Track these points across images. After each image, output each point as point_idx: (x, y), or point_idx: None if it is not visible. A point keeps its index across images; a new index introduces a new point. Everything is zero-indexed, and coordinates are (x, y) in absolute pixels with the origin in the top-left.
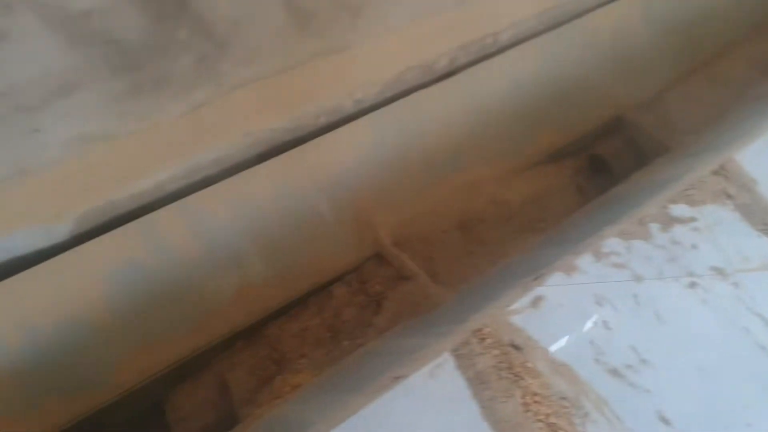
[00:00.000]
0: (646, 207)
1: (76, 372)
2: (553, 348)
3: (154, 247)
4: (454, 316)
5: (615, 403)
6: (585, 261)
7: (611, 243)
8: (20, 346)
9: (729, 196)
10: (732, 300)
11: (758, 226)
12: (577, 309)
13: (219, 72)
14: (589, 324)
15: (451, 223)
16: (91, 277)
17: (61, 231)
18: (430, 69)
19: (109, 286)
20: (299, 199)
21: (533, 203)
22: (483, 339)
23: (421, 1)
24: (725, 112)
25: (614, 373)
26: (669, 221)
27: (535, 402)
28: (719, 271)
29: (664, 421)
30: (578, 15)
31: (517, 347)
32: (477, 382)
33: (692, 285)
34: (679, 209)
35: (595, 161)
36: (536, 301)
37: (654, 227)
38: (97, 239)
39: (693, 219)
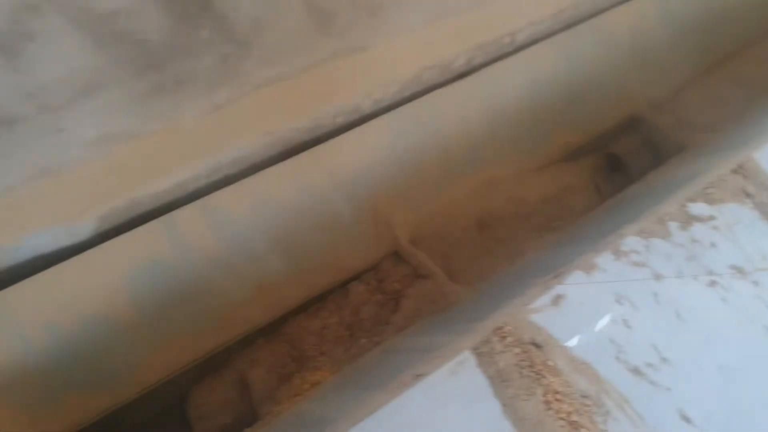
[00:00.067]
0: (665, 205)
1: (99, 369)
2: (574, 346)
3: (175, 245)
4: (473, 314)
5: (636, 401)
6: (604, 259)
7: (630, 241)
8: (44, 343)
9: (748, 195)
10: (752, 298)
11: None
12: (597, 307)
13: (240, 72)
14: (609, 322)
15: (469, 221)
16: (113, 275)
17: (85, 229)
18: (448, 69)
19: (131, 284)
20: (318, 198)
21: (550, 202)
22: (504, 337)
23: (439, 2)
24: (743, 111)
25: (635, 371)
26: (688, 220)
27: (557, 400)
28: (739, 270)
29: (686, 419)
30: (595, 14)
31: (537, 345)
32: (498, 380)
33: (712, 283)
34: (698, 208)
35: (612, 160)
36: (556, 300)
37: (673, 226)
38: (119, 237)
39: (712, 217)
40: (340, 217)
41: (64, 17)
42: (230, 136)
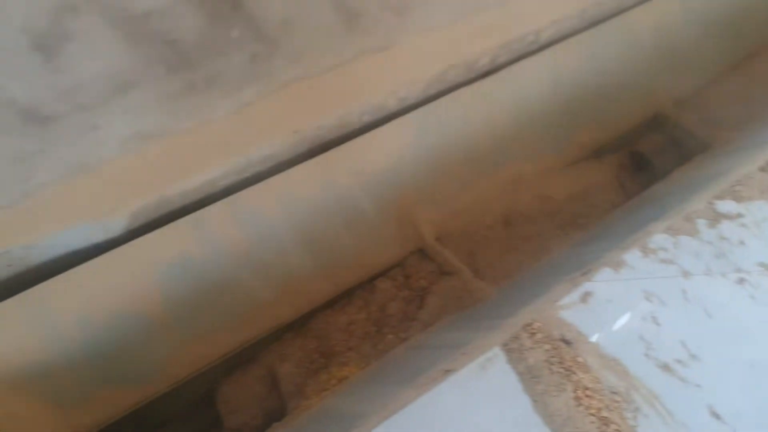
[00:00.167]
0: (692, 203)
1: (130, 364)
2: (603, 343)
3: (205, 241)
4: (501, 310)
5: (666, 397)
6: (633, 256)
7: (658, 239)
8: (76, 338)
9: None
10: None
11: None
12: (625, 304)
13: (269, 71)
14: (638, 319)
15: (495, 218)
16: (144, 271)
17: (117, 226)
18: (472, 67)
19: (161, 281)
20: (344, 195)
21: (576, 199)
22: (533, 334)
23: (464, 1)
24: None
25: (664, 367)
26: (716, 217)
27: (587, 396)
28: (767, 267)
29: (715, 415)
30: (619, 12)
31: (567, 342)
32: (528, 376)
33: (740, 281)
34: (726, 205)
35: (637, 158)
36: (585, 297)
37: (701, 223)
38: (150, 234)
39: (740, 215)
40: (365, 214)
41: (100, 17)
42: (258, 134)
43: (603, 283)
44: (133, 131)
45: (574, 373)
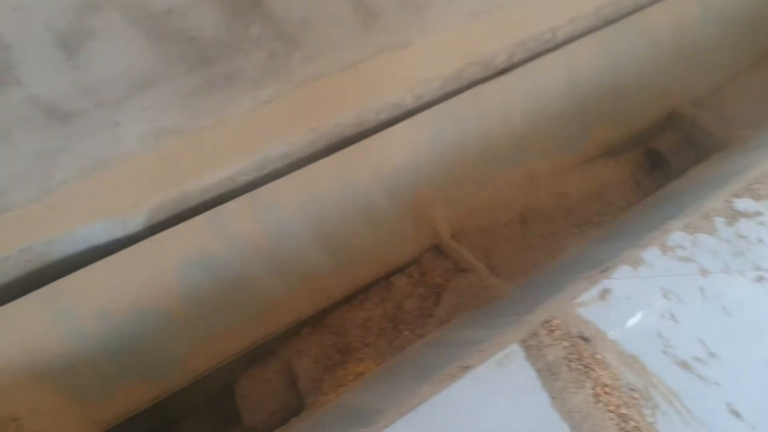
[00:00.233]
0: (710, 201)
1: (149, 358)
2: (622, 340)
3: (224, 237)
4: (518, 308)
5: (684, 395)
6: (651, 254)
7: (676, 237)
8: (96, 333)
9: None
10: None
11: None
12: (644, 302)
13: (287, 68)
14: (656, 316)
15: (511, 216)
16: (164, 267)
17: (137, 221)
18: (489, 65)
19: (181, 276)
20: (361, 192)
21: (592, 197)
22: (552, 330)
23: None
24: None
25: (683, 365)
26: (734, 215)
27: (606, 393)
28: None
29: (735, 413)
30: (636, 11)
31: (586, 339)
32: (547, 373)
33: (759, 279)
34: (744, 203)
35: (653, 156)
36: (603, 294)
37: (719, 221)
38: (170, 230)
39: (759, 213)
40: (382, 211)
41: (122, 15)
42: (276, 131)
43: (621, 280)
44: (153, 128)
45: (593, 369)
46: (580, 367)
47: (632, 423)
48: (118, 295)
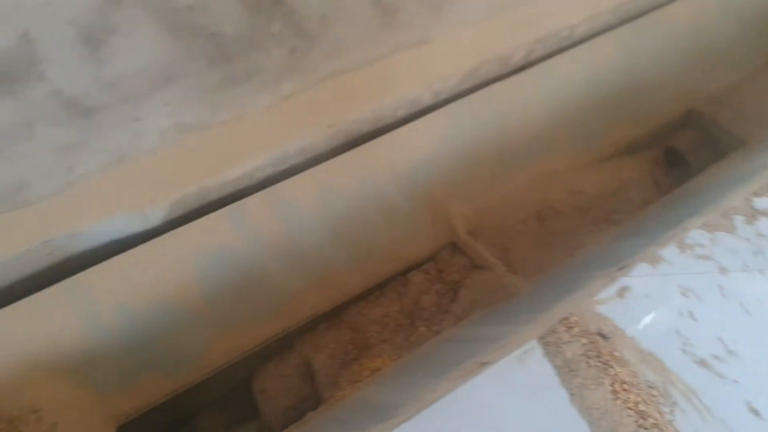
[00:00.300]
0: (729, 199)
1: (168, 352)
2: (640, 337)
3: (242, 233)
4: (535, 305)
5: (703, 393)
6: (669, 252)
7: (695, 235)
8: (116, 326)
9: None
10: None
11: None
12: (662, 299)
13: (307, 65)
14: (674, 314)
15: (528, 213)
16: (183, 261)
17: (156, 216)
18: (507, 62)
19: (200, 270)
20: (378, 188)
21: (610, 195)
22: (570, 327)
23: None
24: None
25: (701, 363)
26: (753, 214)
27: (624, 390)
28: None
29: (754, 412)
30: (654, 8)
31: (604, 336)
32: (566, 370)
33: None
34: (764, 202)
35: (671, 154)
36: (622, 291)
37: (738, 220)
38: (189, 225)
39: None
40: (398, 207)
41: (144, 10)
42: (295, 127)
43: (640, 278)
44: (174, 123)
45: (612, 367)
46: (599, 364)
47: (651, 420)
48: (137, 289)
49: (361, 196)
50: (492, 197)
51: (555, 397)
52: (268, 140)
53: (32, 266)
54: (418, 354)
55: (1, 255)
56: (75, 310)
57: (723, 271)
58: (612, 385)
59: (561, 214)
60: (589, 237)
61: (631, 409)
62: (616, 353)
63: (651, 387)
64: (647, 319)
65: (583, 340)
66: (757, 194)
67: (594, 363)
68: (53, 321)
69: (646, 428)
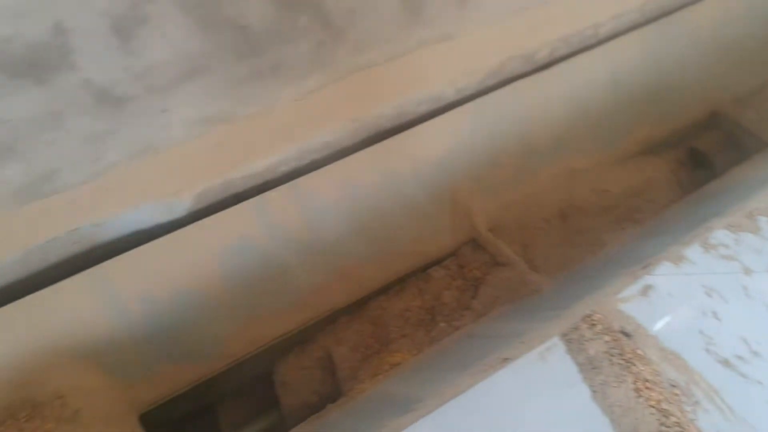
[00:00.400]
0: (754, 200)
1: (191, 341)
2: (663, 336)
3: (265, 225)
4: (557, 302)
5: (726, 392)
6: (693, 252)
7: (719, 235)
8: (140, 315)
9: None
10: None
11: None
12: (686, 299)
13: (333, 59)
14: (698, 314)
15: (551, 211)
16: (207, 252)
17: (181, 207)
18: (531, 59)
19: (223, 261)
20: (400, 184)
21: (633, 194)
22: (593, 325)
23: None
24: None
25: (725, 363)
26: None
27: (647, 388)
28: None
29: None
30: (679, 8)
31: (627, 334)
32: (588, 367)
33: None
34: None
35: (695, 155)
36: (645, 290)
37: (763, 220)
38: (213, 216)
39: None
40: (420, 202)
41: (174, 2)
42: (319, 121)
43: (663, 277)
44: (200, 115)
45: (634, 365)
46: (622, 362)
47: (673, 418)
48: (161, 279)
49: (383, 191)
50: (514, 194)
51: (577, 394)
52: (293, 134)
53: (58, 254)
54: (438, 349)
55: (28, 243)
56: (100, 299)
57: (747, 271)
58: (634, 383)
59: (585, 212)
60: (611, 235)
61: (653, 407)
62: (639, 351)
63: (673, 386)
64: (670, 318)
65: (606, 338)
66: None
67: (617, 361)
68: (78, 309)
69: (668, 426)
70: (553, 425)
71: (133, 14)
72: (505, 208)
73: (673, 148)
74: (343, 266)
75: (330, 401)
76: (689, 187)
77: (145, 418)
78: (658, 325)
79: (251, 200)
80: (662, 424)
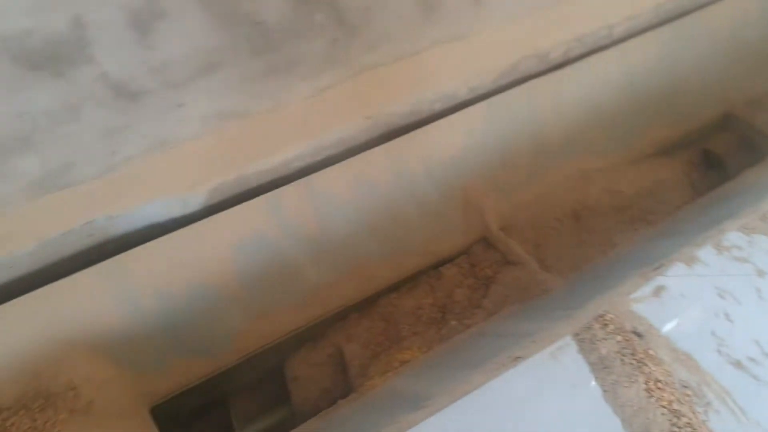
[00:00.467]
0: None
1: (203, 335)
2: (675, 337)
3: (278, 221)
4: (569, 302)
5: (738, 394)
6: (706, 253)
7: (732, 237)
8: (153, 308)
9: None
10: None
11: None
12: (698, 300)
13: (347, 56)
14: (710, 315)
15: (564, 211)
16: (220, 247)
17: (195, 201)
18: (545, 59)
19: (236, 256)
20: (413, 181)
21: (646, 195)
22: (605, 325)
23: None
24: None
25: (737, 365)
26: None
27: (658, 388)
28: None
29: None
30: (694, 9)
31: (639, 334)
32: (600, 366)
33: None
34: None
35: (709, 156)
36: (658, 291)
37: None
38: (227, 211)
39: None
40: (432, 201)
41: None
42: (333, 117)
43: (676, 278)
44: (215, 110)
45: (646, 365)
46: (633, 362)
47: (684, 419)
48: (175, 272)
49: (395, 189)
50: (527, 194)
51: (588, 393)
52: (307, 130)
53: (72, 247)
54: (449, 347)
55: (43, 235)
56: (114, 291)
57: (760, 273)
58: (646, 383)
59: (598, 213)
60: (624, 236)
61: (664, 407)
62: (651, 352)
63: (685, 386)
64: (682, 319)
65: (618, 338)
66: None
67: (628, 361)
68: (92, 301)
69: (679, 427)
70: (564, 424)
71: (151, 8)
72: (518, 208)
73: (687, 150)
74: (354, 263)
75: (340, 397)
76: (702, 189)
77: (156, 411)
78: (670, 326)
79: (265, 196)
80: (674, 424)
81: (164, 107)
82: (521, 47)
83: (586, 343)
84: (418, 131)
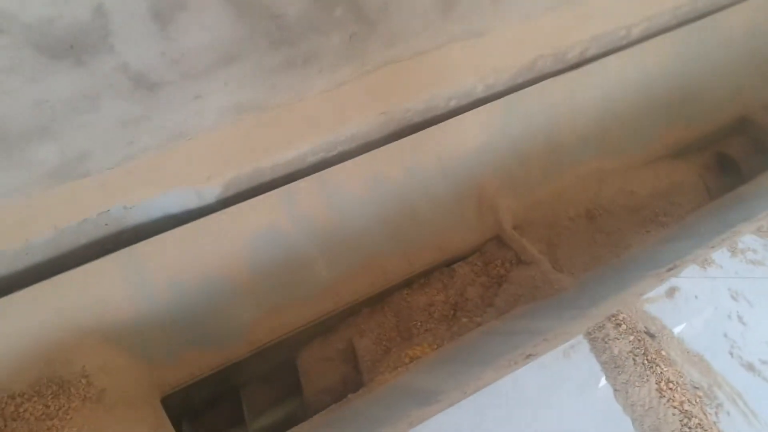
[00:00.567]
0: None
1: (216, 326)
2: (687, 338)
3: (292, 214)
4: (581, 301)
5: (750, 396)
6: (720, 255)
7: (747, 239)
8: (167, 298)
9: None
10: None
11: None
12: (711, 302)
13: (364, 52)
14: (723, 317)
15: (577, 210)
16: (234, 240)
17: (211, 194)
18: (562, 58)
19: (250, 249)
20: (427, 178)
21: (660, 197)
22: (618, 325)
23: None
24: None
25: (749, 367)
26: None
27: (670, 389)
28: None
29: None
30: (712, 12)
31: (651, 335)
32: (612, 366)
33: None
34: None
35: (724, 159)
36: (671, 292)
37: None
38: (242, 204)
39: None
40: (445, 198)
41: None
42: (348, 113)
43: (689, 279)
44: (232, 103)
45: (658, 365)
46: (645, 362)
47: (695, 420)
48: (189, 263)
49: (409, 185)
50: (541, 193)
51: (600, 392)
52: (322, 125)
53: (88, 236)
54: (460, 344)
55: (60, 223)
56: (128, 281)
57: None
58: (657, 383)
59: (612, 213)
60: (637, 237)
61: (675, 408)
62: (663, 352)
63: (696, 388)
64: (695, 321)
65: (631, 338)
66: None
67: (640, 361)
68: (106, 290)
69: (690, 428)
70: (575, 422)
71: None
72: (532, 207)
73: (702, 152)
74: (367, 258)
75: (351, 392)
76: (717, 192)
77: (168, 401)
78: (683, 327)
79: (279, 189)
80: (684, 425)
81: (182, 99)
82: (538, 46)
83: (598, 343)
84: (433, 128)
